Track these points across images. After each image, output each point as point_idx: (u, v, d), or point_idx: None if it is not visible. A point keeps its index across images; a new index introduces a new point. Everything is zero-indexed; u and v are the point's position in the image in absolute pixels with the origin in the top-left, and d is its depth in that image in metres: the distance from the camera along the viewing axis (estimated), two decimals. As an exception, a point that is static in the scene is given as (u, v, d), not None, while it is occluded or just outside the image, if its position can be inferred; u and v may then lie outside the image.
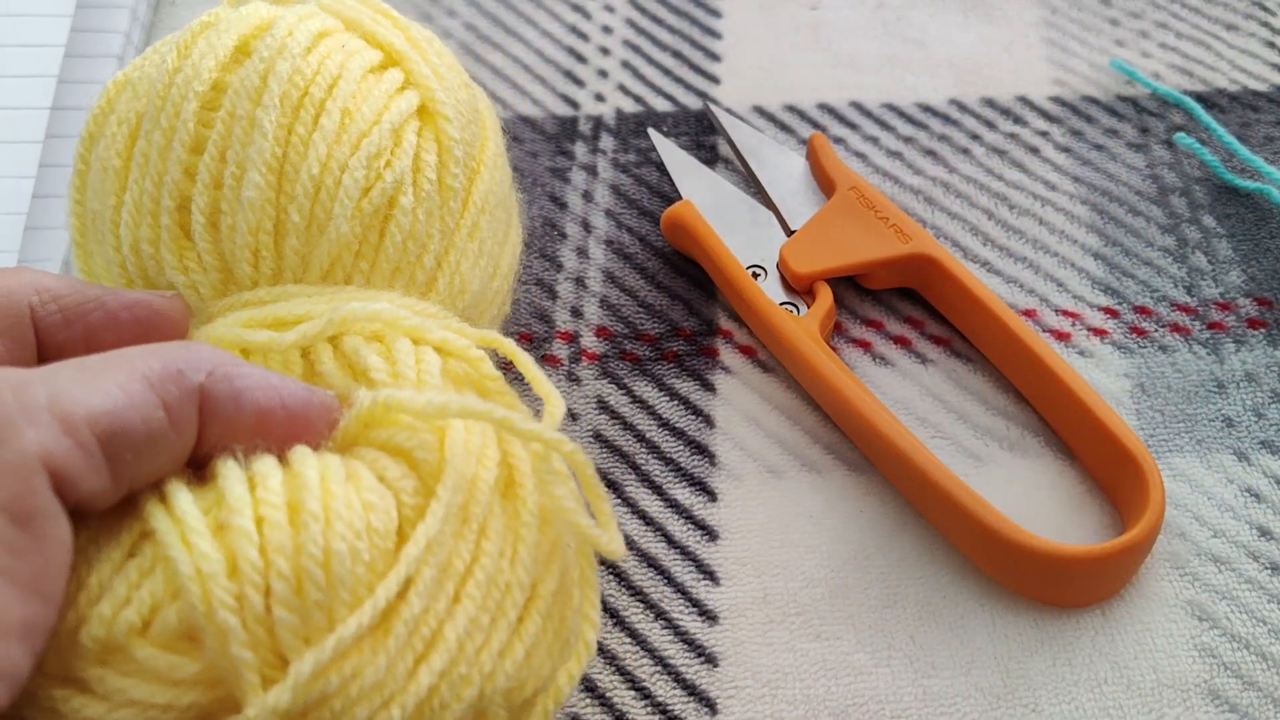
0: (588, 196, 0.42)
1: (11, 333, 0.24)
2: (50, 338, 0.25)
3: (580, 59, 0.46)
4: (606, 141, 0.43)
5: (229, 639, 0.21)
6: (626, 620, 0.32)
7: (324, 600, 0.22)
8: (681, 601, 0.33)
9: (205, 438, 0.23)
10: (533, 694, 0.25)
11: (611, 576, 0.33)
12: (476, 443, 0.25)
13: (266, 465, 0.23)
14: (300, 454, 0.24)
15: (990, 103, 0.44)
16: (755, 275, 0.38)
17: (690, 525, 0.34)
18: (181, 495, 0.23)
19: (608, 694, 0.31)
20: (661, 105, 0.44)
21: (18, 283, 0.25)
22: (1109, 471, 0.34)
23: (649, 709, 0.31)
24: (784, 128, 0.44)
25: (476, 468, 0.25)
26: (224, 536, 0.22)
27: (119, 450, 0.21)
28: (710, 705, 0.31)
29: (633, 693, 0.31)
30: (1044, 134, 0.43)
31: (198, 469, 0.24)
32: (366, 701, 0.22)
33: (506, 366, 0.31)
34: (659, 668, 0.32)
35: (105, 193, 0.29)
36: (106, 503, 0.22)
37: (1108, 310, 0.38)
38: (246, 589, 0.22)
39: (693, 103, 0.44)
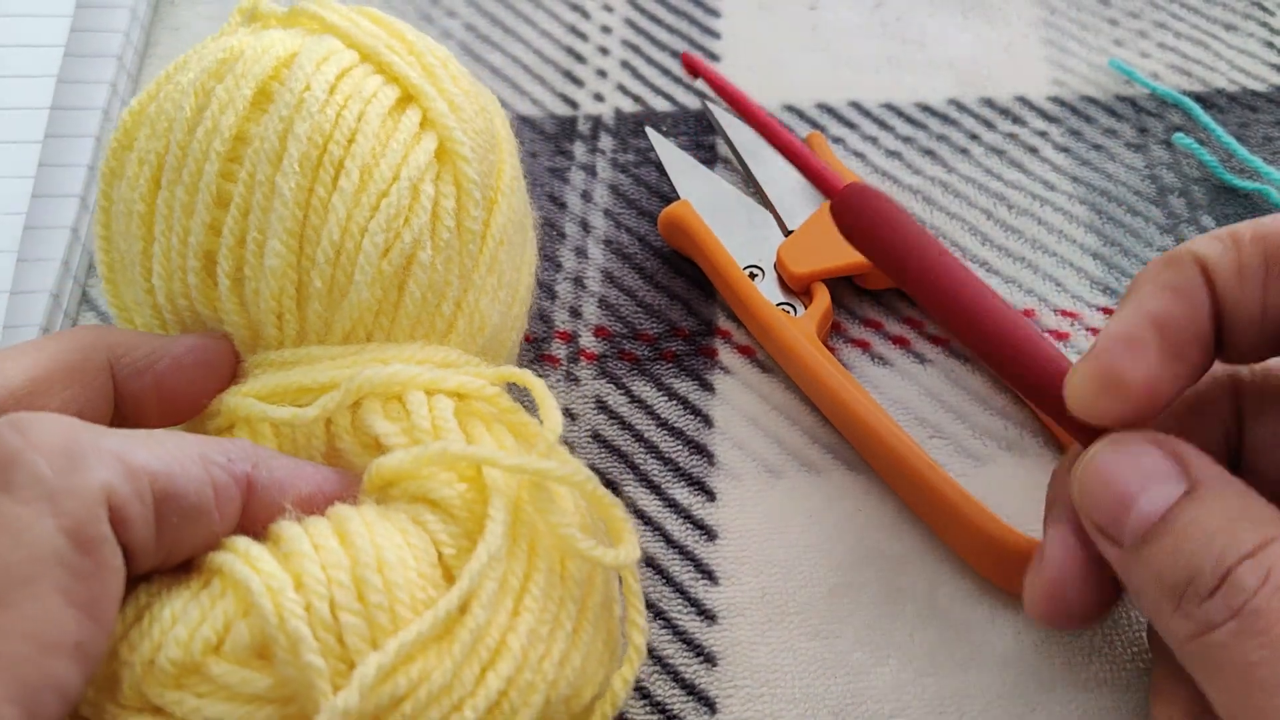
0: (586, 196, 0.42)
1: (92, 385, 0.27)
2: (126, 387, 0.27)
3: (579, 59, 0.46)
4: (605, 141, 0.43)
5: (301, 647, 0.23)
6: (625, 620, 0.33)
7: (385, 603, 0.24)
8: (680, 601, 0.33)
9: (248, 518, 0.25)
10: (590, 700, 0.27)
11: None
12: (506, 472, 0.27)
13: (315, 520, 0.25)
14: (337, 507, 0.26)
15: (989, 103, 0.44)
16: (753, 276, 0.38)
17: (689, 525, 0.34)
18: (240, 539, 0.25)
19: (606, 693, 0.31)
20: (660, 105, 0.44)
21: (95, 340, 0.27)
22: (1107, 471, 0.34)
23: (648, 708, 0.31)
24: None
25: (518, 491, 0.26)
26: (286, 561, 0.24)
27: (168, 512, 0.23)
28: (709, 704, 0.31)
29: (632, 692, 0.31)
30: (1043, 134, 0.43)
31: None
32: (437, 705, 0.24)
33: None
34: (658, 667, 0.32)
35: (131, 236, 0.30)
36: (148, 563, 0.23)
37: (1106, 310, 0.38)
38: (313, 599, 0.23)
39: (692, 102, 0.44)
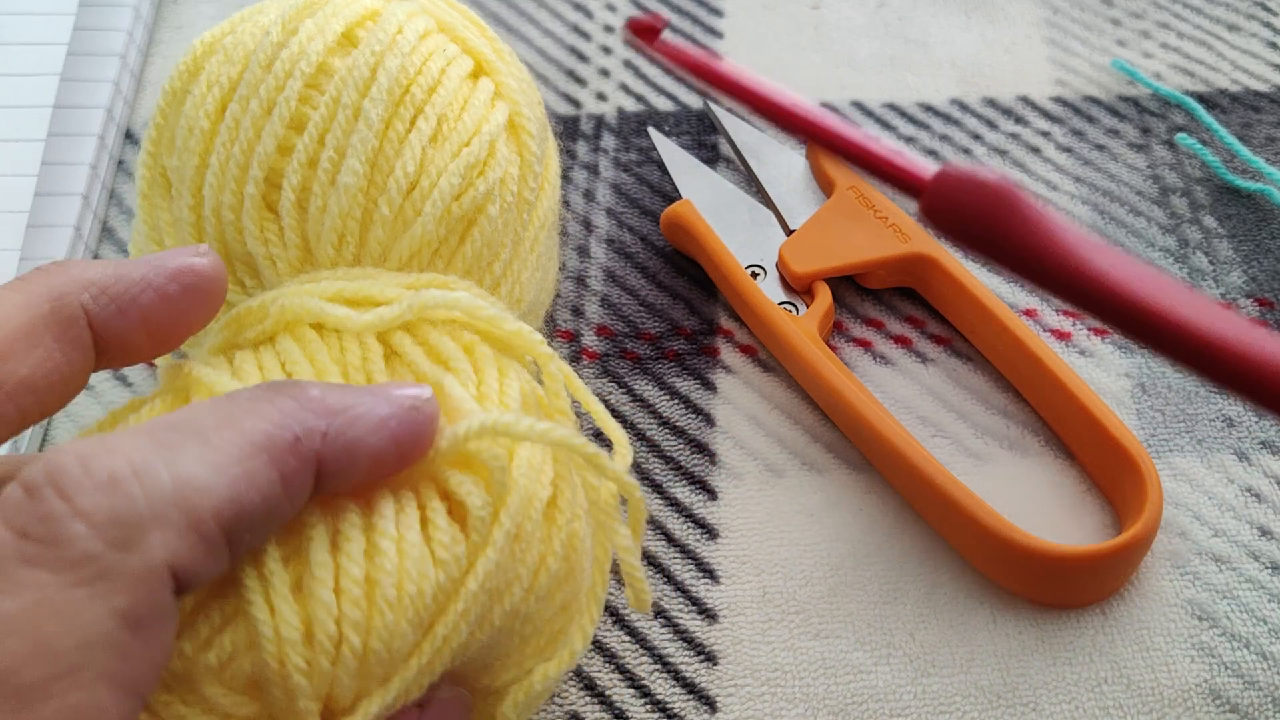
0: (589, 195, 0.42)
1: (67, 337, 0.23)
2: (106, 330, 0.24)
3: (582, 58, 0.46)
4: (608, 140, 0.43)
5: (297, 696, 0.22)
6: (626, 618, 0.32)
7: (385, 671, 0.23)
8: (681, 600, 0.33)
9: (322, 490, 0.23)
10: (506, 685, 0.26)
11: (611, 574, 0.33)
12: (537, 461, 0.26)
13: (350, 526, 0.23)
14: (383, 513, 0.24)
15: (992, 103, 0.44)
16: (754, 275, 0.38)
17: (690, 524, 0.34)
18: (270, 553, 0.23)
19: (607, 692, 0.31)
20: (663, 104, 0.44)
21: (66, 281, 0.23)
22: (1107, 471, 0.34)
23: (649, 707, 0.31)
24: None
25: (535, 488, 0.25)
26: (305, 602, 0.23)
27: (240, 533, 0.21)
28: (710, 703, 0.31)
29: (632, 691, 0.31)
30: (1045, 134, 0.43)
31: None
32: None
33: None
34: (658, 666, 0.32)
35: (189, 151, 0.30)
36: (224, 572, 0.22)
37: (1108, 310, 0.38)
38: (319, 657, 0.22)
39: (694, 102, 0.45)
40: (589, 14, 0.48)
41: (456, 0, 0.33)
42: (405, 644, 0.23)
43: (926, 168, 0.23)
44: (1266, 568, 0.33)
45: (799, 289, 0.37)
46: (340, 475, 0.22)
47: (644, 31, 0.27)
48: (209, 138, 0.30)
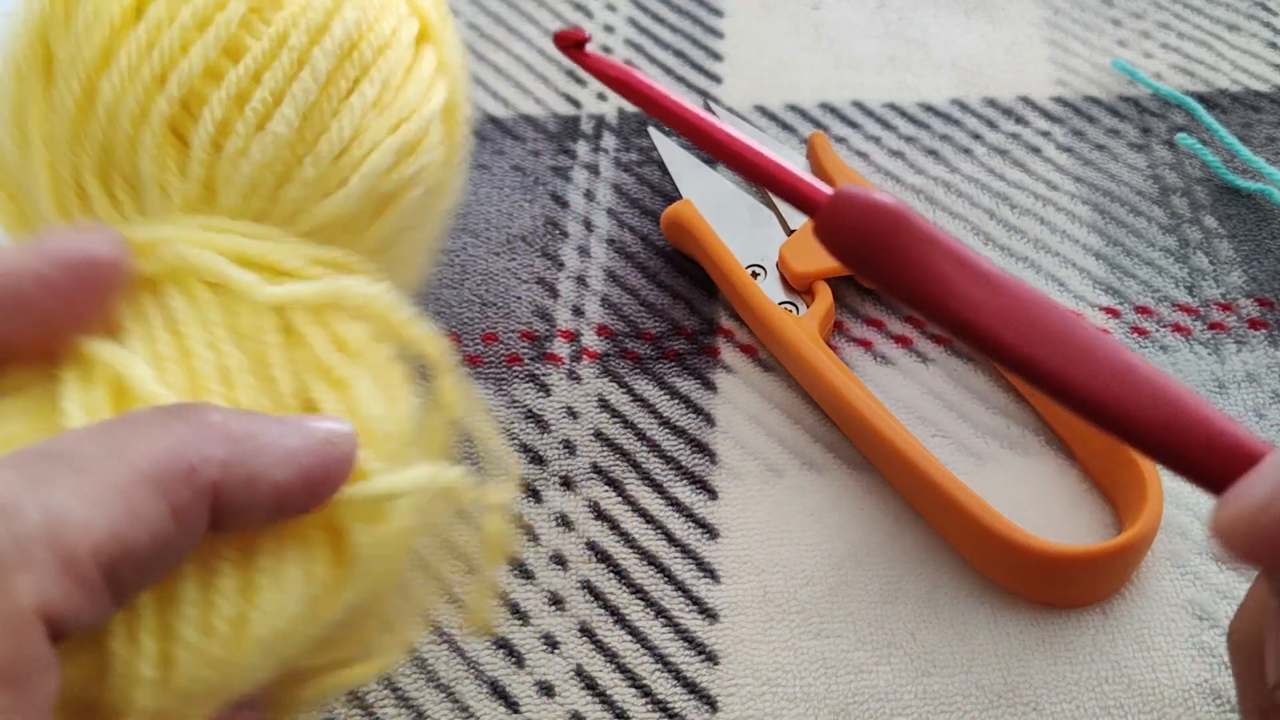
0: (590, 195, 0.42)
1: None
2: (224, 517, 0.20)
3: (582, 58, 0.46)
4: (609, 140, 0.43)
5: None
6: (627, 618, 0.33)
7: (227, 698, 0.22)
8: (682, 599, 0.33)
9: (219, 527, 0.20)
10: (314, 671, 0.24)
11: (612, 574, 0.33)
12: (423, 502, 0.24)
13: (226, 560, 0.21)
14: (263, 548, 0.22)
15: (992, 103, 0.44)
16: (755, 275, 0.38)
17: (691, 523, 0.34)
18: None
19: (609, 691, 0.31)
20: (663, 104, 0.44)
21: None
22: (1107, 471, 0.34)
23: (649, 706, 0.31)
24: (786, 127, 0.44)
25: (413, 524, 0.24)
26: (167, 640, 0.21)
27: (123, 573, 0.18)
28: (710, 703, 0.31)
29: (633, 690, 0.31)
30: (1046, 134, 0.43)
31: None
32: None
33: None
34: (659, 665, 0.32)
35: (89, 39, 0.26)
36: (107, 618, 0.19)
37: (1109, 310, 0.38)
38: (170, 699, 0.21)
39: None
40: (589, 14, 0.48)
41: None
42: (261, 677, 0.22)
43: (824, 189, 0.22)
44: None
45: (799, 289, 0.37)
46: (240, 511, 0.20)
47: (569, 43, 0.26)
48: (120, 31, 0.26)
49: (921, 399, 0.37)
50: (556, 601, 0.33)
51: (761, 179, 0.23)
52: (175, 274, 0.24)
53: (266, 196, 0.26)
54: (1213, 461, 0.20)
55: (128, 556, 0.18)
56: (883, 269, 0.21)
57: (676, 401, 0.37)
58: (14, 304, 0.21)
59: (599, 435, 0.36)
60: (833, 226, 0.22)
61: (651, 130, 0.42)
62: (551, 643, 0.32)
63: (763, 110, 0.44)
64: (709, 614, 0.33)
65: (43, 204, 0.27)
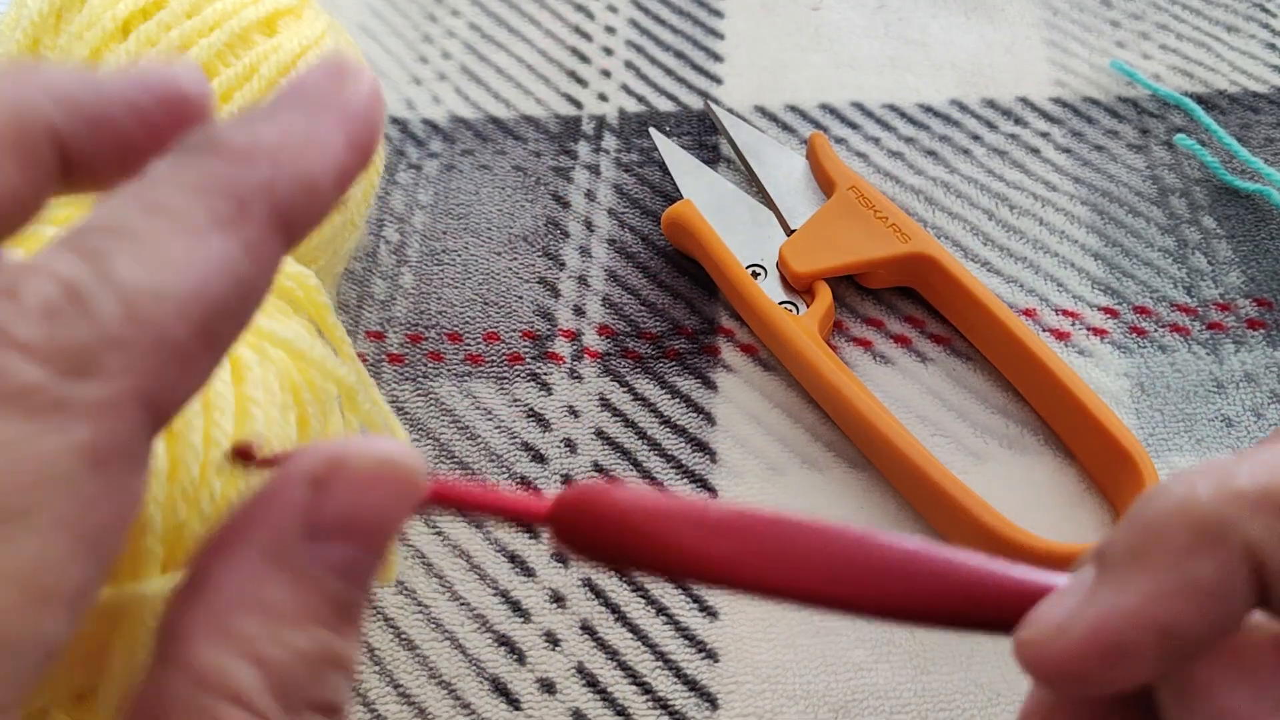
0: (590, 195, 0.42)
1: (28, 154, 0.19)
2: (77, 154, 0.19)
3: (583, 59, 0.46)
4: (609, 141, 0.44)
5: (145, 531, 0.22)
6: (628, 615, 0.33)
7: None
8: (682, 597, 0.33)
9: (295, 241, 0.19)
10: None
11: (614, 572, 0.33)
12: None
13: (222, 383, 0.24)
14: (249, 377, 0.24)
15: (991, 103, 0.45)
16: (755, 274, 0.38)
17: (691, 522, 0.34)
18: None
19: (609, 688, 0.31)
20: (664, 105, 0.45)
21: (32, 94, 0.19)
22: (1105, 470, 0.34)
23: (650, 703, 0.31)
24: (786, 128, 0.44)
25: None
26: (173, 442, 0.23)
27: (216, 328, 0.18)
28: (711, 700, 0.31)
29: (634, 687, 0.31)
30: (1044, 135, 0.43)
31: None
32: None
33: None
34: (660, 663, 0.32)
35: (77, 52, 0.30)
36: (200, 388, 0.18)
37: (1107, 310, 0.39)
38: (178, 498, 0.22)
39: (695, 102, 0.45)
40: (590, 15, 0.48)
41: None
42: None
43: (542, 502, 0.21)
44: (1264, 566, 0.33)
45: (799, 288, 0.38)
46: (308, 214, 0.19)
47: (243, 459, 0.23)
48: (108, 40, 0.30)
49: (921, 398, 0.37)
50: (558, 599, 0.33)
51: (484, 512, 0.21)
52: None
53: None
54: (1011, 609, 0.20)
55: (216, 310, 0.17)
56: (629, 558, 0.20)
57: (677, 401, 0.37)
58: (100, 122, 0.20)
59: (600, 434, 0.36)
60: (567, 537, 0.21)
61: (652, 131, 0.42)
62: (553, 640, 0.32)
63: (763, 111, 0.44)
64: (709, 611, 0.33)
65: None
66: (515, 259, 0.40)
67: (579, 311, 0.39)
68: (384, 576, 0.30)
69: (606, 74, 0.46)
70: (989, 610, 0.20)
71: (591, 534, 0.20)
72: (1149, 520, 0.18)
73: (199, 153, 0.19)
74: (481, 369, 0.37)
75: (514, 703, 0.31)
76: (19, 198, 0.19)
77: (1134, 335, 0.38)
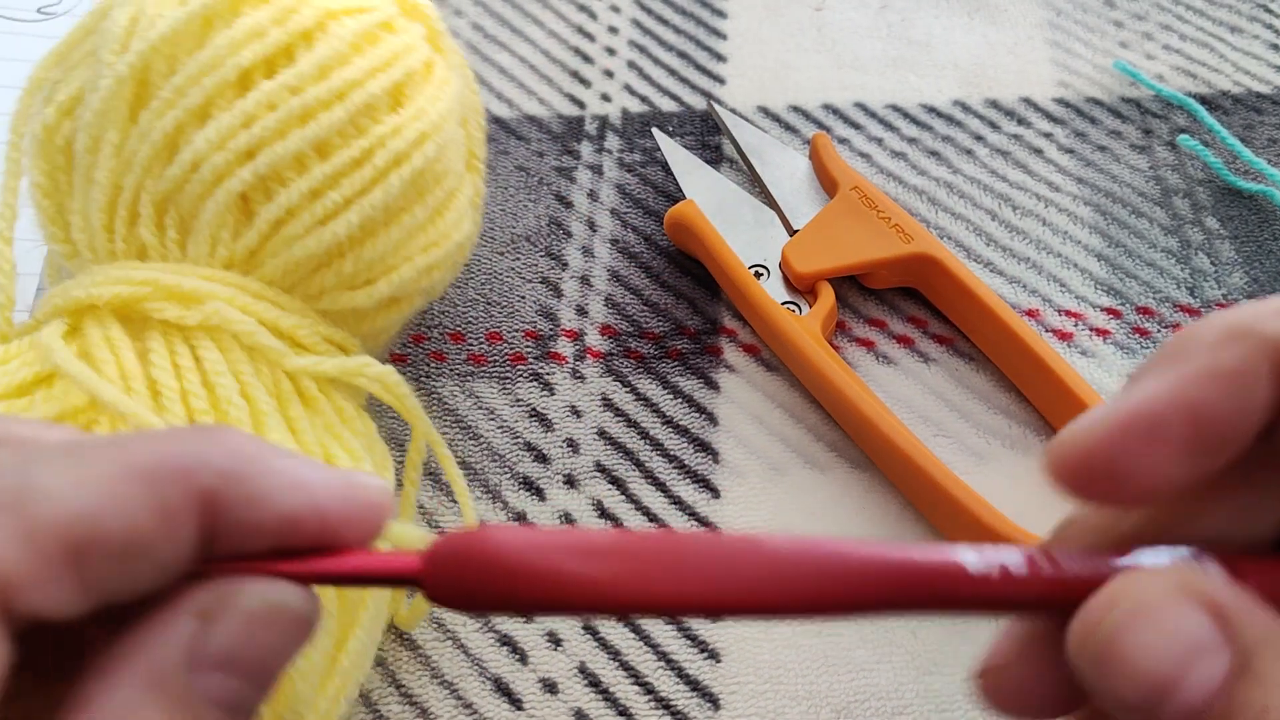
0: (593, 196, 0.42)
1: (171, 527, 0.18)
2: (225, 536, 0.19)
3: (586, 59, 0.46)
4: (612, 141, 0.44)
5: None
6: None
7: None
8: (684, 597, 0.33)
9: (219, 543, 0.19)
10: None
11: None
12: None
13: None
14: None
15: (994, 104, 0.44)
16: (758, 275, 0.38)
17: (693, 522, 0.34)
18: None
19: (612, 688, 0.31)
20: (667, 105, 0.45)
21: (193, 460, 0.19)
22: (1110, 470, 0.34)
23: (652, 703, 0.31)
24: (789, 128, 0.44)
25: None
26: None
27: (91, 559, 0.17)
28: (713, 700, 0.31)
29: (636, 687, 0.31)
30: (1048, 135, 0.43)
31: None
32: None
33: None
34: (662, 662, 0.32)
35: (191, 95, 0.28)
36: (75, 613, 0.18)
37: (1110, 311, 0.38)
38: None
39: (698, 103, 0.45)
40: (593, 15, 0.48)
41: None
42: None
43: (410, 559, 0.20)
44: (1267, 567, 0.33)
45: (802, 289, 0.38)
46: (237, 529, 0.19)
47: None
48: (222, 93, 0.28)
49: (923, 398, 0.37)
50: (560, 599, 0.33)
51: (351, 582, 0.21)
52: (211, 330, 0.27)
53: (301, 275, 0.30)
54: (913, 589, 0.20)
55: (97, 541, 0.17)
56: (514, 600, 0.20)
57: (679, 400, 0.37)
58: (261, 522, 0.19)
59: (602, 434, 0.36)
60: (444, 592, 0.20)
61: (655, 131, 0.42)
62: (555, 640, 0.32)
63: (765, 111, 0.44)
64: (711, 612, 0.33)
65: (92, 212, 0.29)
66: (518, 259, 0.40)
67: (581, 311, 0.39)
68: (408, 624, 0.31)
69: (609, 74, 0.46)
70: (889, 592, 0.20)
71: (472, 582, 0.19)
72: (1181, 333, 0.19)
73: (194, 429, 0.20)
74: (484, 369, 0.38)
75: (516, 702, 0.31)
76: (146, 541, 0.18)
77: (1137, 336, 0.38)
